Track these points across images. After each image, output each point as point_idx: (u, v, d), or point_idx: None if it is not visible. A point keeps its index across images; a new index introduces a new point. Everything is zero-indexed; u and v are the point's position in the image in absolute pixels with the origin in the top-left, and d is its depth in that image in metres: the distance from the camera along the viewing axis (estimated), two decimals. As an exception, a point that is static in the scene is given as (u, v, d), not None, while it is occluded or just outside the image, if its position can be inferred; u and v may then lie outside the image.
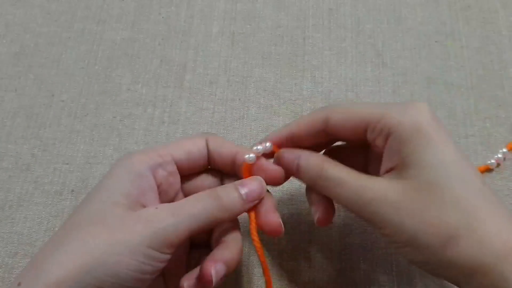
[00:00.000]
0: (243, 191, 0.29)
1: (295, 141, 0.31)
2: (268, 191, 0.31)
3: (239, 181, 0.30)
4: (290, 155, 0.30)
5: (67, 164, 0.40)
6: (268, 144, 0.31)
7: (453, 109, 0.43)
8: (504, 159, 0.40)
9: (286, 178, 0.31)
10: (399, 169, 0.26)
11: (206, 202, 0.28)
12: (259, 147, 0.31)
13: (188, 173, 0.31)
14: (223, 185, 0.30)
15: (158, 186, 0.30)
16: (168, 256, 0.26)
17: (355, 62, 0.45)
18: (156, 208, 0.27)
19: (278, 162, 0.31)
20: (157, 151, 0.30)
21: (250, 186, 0.29)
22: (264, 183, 0.30)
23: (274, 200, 0.31)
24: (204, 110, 0.43)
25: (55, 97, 0.43)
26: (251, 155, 0.30)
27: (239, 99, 0.43)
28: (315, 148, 0.32)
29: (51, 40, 0.46)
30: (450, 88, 0.44)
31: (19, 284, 0.25)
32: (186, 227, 0.26)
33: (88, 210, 0.27)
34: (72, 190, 0.39)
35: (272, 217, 0.29)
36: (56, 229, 0.37)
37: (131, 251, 0.25)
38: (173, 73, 0.45)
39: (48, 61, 0.45)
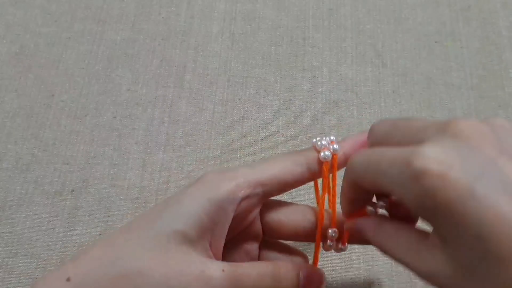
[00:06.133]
0: (302, 280, 0.26)
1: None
2: None
3: (303, 266, 0.27)
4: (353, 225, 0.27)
5: (67, 164, 0.40)
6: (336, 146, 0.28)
7: (453, 109, 0.43)
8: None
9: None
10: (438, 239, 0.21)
11: (266, 281, 0.25)
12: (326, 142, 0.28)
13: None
14: (286, 265, 0.27)
15: (235, 218, 0.26)
16: None
17: (355, 62, 0.45)
18: (223, 270, 0.25)
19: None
20: (248, 178, 0.26)
21: (310, 276, 0.27)
22: (324, 279, 0.28)
23: None
24: (204, 110, 0.43)
25: (55, 97, 0.43)
26: (327, 152, 0.27)
27: (239, 99, 0.43)
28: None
29: (51, 41, 0.46)
30: (450, 88, 0.44)
31: (68, 279, 0.23)
32: None
33: (153, 227, 0.25)
34: (72, 190, 0.39)
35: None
36: (57, 229, 0.37)
37: None
38: (173, 73, 0.45)
39: (48, 61, 0.45)
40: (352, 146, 0.28)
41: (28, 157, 0.40)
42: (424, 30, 0.47)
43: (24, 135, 0.41)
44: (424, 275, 0.21)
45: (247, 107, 0.43)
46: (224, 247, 0.28)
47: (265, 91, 0.44)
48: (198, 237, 0.25)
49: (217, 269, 0.24)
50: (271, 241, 0.30)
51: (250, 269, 0.25)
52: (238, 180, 0.26)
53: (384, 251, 0.24)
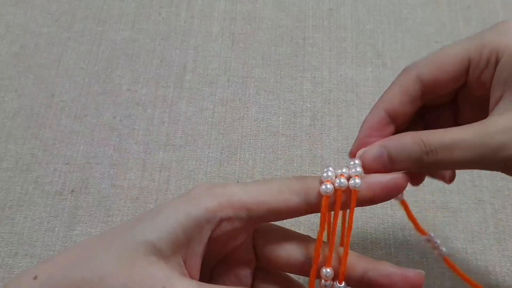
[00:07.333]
0: None
1: (392, 119, 0.26)
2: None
3: None
4: (371, 151, 0.25)
5: (67, 164, 0.40)
6: (357, 166, 0.25)
7: (453, 109, 0.43)
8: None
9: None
10: None
11: None
12: (329, 173, 0.25)
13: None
14: None
15: (213, 239, 0.25)
16: None
17: (355, 62, 0.45)
18: None
19: (364, 165, 0.25)
20: (233, 198, 0.24)
21: None
22: None
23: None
24: (204, 110, 0.43)
25: (55, 97, 0.43)
26: (328, 185, 0.24)
27: (239, 99, 0.43)
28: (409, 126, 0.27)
29: (51, 41, 0.46)
30: (450, 88, 0.44)
31: (35, 278, 0.23)
32: None
33: (126, 235, 0.24)
34: (72, 190, 0.39)
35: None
36: (57, 229, 0.37)
37: None
38: (173, 73, 0.45)
39: (48, 61, 0.45)
40: (374, 188, 0.25)
41: (28, 157, 0.40)
42: (424, 30, 0.47)
43: (24, 135, 0.41)
44: (501, 148, 0.22)
45: (247, 107, 0.43)
46: (213, 269, 0.27)
47: (265, 91, 0.44)
48: (171, 251, 0.23)
49: (180, 287, 0.23)
50: (270, 270, 0.28)
51: None
52: (221, 199, 0.24)
53: (444, 155, 0.23)
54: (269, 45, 0.46)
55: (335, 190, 0.24)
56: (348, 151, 0.39)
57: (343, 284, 0.25)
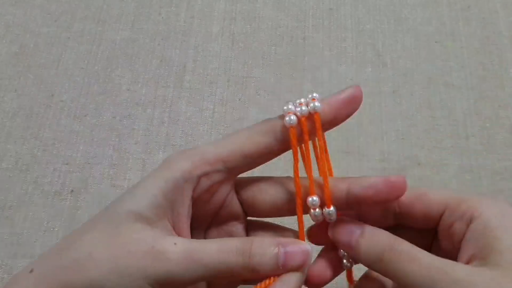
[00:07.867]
0: (281, 257, 0.24)
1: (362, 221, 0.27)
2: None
3: (283, 241, 0.24)
4: (350, 225, 0.25)
5: (67, 164, 0.40)
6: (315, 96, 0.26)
7: (453, 109, 0.43)
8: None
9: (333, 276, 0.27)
10: (484, 254, 0.23)
11: (231, 257, 0.23)
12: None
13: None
14: (260, 240, 0.24)
15: (197, 199, 0.25)
16: None
17: (355, 62, 0.45)
18: (175, 244, 0.23)
19: (333, 229, 0.26)
20: (205, 155, 0.25)
21: (292, 252, 0.24)
22: (309, 255, 0.24)
23: None
24: (204, 110, 0.43)
25: (54, 97, 0.43)
26: (292, 116, 0.25)
27: (239, 99, 0.43)
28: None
29: (51, 40, 0.46)
30: (450, 88, 0.44)
31: (31, 271, 0.24)
32: (196, 276, 0.23)
33: (108, 210, 0.25)
34: (72, 190, 0.39)
35: None
36: (56, 229, 0.37)
37: (131, 281, 0.23)
38: (173, 73, 0.45)
39: (48, 61, 0.45)
40: (334, 106, 0.25)
41: (28, 157, 0.40)
42: (424, 30, 0.47)
43: (24, 135, 0.41)
44: (449, 285, 0.22)
45: (247, 107, 0.43)
46: (207, 230, 0.28)
47: (265, 91, 0.44)
48: (156, 216, 0.24)
49: (169, 243, 0.23)
50: (261, 223, 0.29)
51: (211, 244, 0.24)
52: (194, 158, 0.25)
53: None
54: (269, 45, 0.46)
55: (299, 119, 0.25)
56: (348, 151, 0.39)
57: (332, 208, 0.25)
